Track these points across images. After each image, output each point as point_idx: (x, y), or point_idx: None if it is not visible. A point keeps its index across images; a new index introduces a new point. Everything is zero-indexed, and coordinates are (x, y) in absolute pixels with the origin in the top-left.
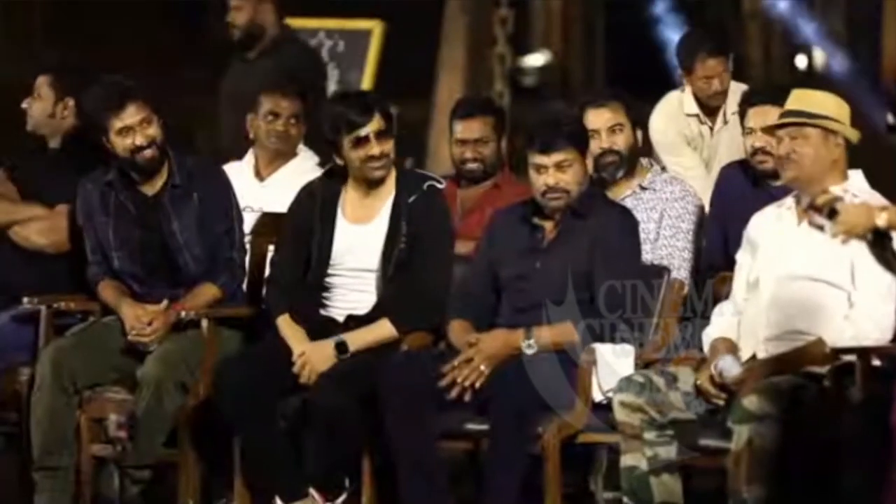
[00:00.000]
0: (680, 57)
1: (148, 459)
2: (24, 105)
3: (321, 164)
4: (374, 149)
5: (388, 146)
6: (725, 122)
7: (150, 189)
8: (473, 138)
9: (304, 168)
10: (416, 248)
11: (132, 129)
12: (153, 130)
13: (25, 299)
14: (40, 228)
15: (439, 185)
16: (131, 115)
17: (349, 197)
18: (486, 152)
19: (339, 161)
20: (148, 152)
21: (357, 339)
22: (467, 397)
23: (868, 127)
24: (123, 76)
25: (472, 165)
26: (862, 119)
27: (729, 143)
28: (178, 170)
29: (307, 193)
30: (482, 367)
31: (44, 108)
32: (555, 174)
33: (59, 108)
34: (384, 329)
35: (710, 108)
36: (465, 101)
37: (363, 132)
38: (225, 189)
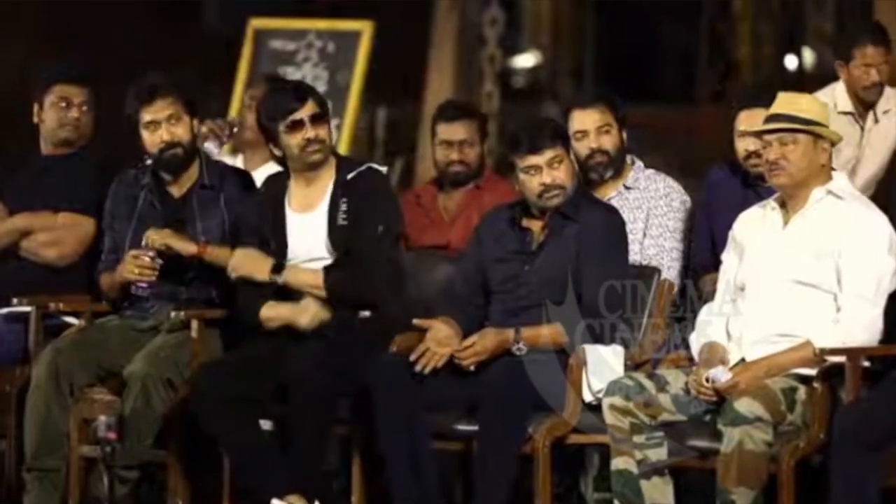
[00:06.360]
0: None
1: (136, 459)
2: (57, 113)
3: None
4: (310, 132)
5: (324, 131)
6: (876, 121)
7: (178, 190)
8: (458, 140)
9: None
10: (357, 222)
11: (158, 124)
12: (180, 130)
13: (15, 300)
14: (47, 241)
15: (380, 168)
16: (159, 109)
17: (294, 189)
18: (471, 155)
19: (276, 151)
20: (172, 151)
21: (293, 275)
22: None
23: None
24: (161, 74)
25: (456, 168)
26: None
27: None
28: (209, 170)
29: (260, 192)
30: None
31: (89, 114)
32: (549, 172)
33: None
34: (318, 276)
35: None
36: (448, 104)
37: (298, 116)
38: (252, 193)
